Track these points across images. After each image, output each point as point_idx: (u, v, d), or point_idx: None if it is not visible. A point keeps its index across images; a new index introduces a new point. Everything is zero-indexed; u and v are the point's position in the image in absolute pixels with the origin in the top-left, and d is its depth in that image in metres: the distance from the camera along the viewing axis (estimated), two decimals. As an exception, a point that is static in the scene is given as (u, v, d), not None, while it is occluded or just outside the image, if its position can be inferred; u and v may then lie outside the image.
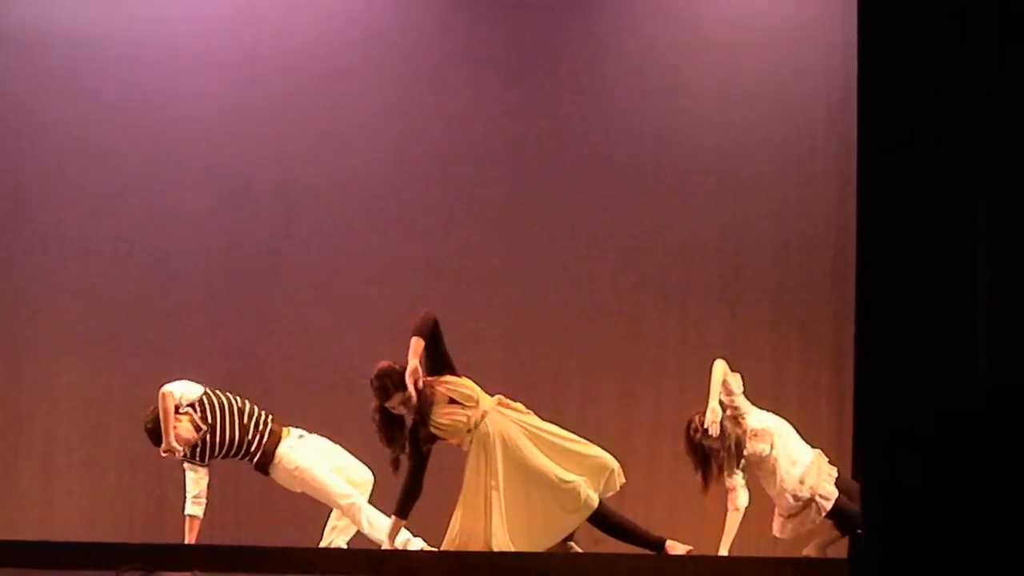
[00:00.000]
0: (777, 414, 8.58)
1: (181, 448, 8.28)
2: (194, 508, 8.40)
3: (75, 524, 9.82)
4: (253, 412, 8.44)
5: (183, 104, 10.13)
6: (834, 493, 8.25)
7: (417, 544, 8.26)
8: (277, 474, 8.45)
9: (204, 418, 8.31)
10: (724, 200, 9.95)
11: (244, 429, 8.38)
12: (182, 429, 8.27)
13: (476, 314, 9.99)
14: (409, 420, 7.90)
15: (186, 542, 8.36)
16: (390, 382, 7.81)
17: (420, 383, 7.77)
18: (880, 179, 10.06)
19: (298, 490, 8.48)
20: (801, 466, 8.27)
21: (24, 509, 9.89)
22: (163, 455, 8.35)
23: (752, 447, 8.24)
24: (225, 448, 8.37)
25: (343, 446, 8.71)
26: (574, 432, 8.16)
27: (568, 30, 10.10)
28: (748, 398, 8.44)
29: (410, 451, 7.81)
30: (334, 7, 10.22)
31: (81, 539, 9.32)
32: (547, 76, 10.11)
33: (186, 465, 8.41)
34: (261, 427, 8.41)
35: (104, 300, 10.06)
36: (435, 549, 8.20)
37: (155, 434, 8.31)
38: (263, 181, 10.15)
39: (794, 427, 8.54)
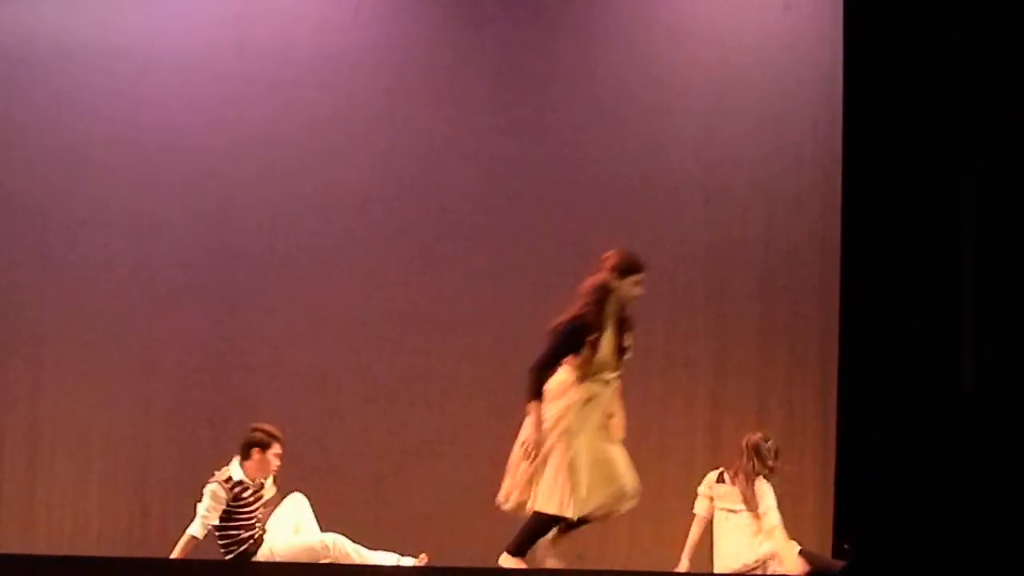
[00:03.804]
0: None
1: (262, 480, 8.45)
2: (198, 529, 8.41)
3: (58, 538, 9.79)
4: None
5: (168, 117, 10.11)
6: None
7: (408, 564, 8.31)
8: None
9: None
10: (711, 216, 9.96)
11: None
12: (271, 456, 8.45)
13: (462, 328, 9.98)
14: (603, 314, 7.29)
15: (173, 555, 8.35)
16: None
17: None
18: (865, 196, 10.13)
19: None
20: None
21: (7, 522, 9.85)
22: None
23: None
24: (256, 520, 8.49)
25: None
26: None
27: (556, 48, 10.11)
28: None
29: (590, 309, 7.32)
30: (320, 23, 10.21)
31: (64, 552, 9.30)
32: (535, 93, 10.11)
33: (237, 491, 8.41)
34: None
35: (87, 312, 10.03)
36: (423, 565, 8.22)
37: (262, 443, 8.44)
38: (247, 195, 10.13)
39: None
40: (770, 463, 8.46)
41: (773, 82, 9.98)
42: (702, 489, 8.53)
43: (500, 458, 9.86)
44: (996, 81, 9.30)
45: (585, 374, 7.06)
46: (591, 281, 7.11)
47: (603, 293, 7.09)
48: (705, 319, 9.91)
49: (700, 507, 8.53)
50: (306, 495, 8.74)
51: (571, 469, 7.05)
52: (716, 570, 8.42)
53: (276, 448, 8.48)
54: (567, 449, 7.05)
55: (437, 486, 9.82)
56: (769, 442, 8.52)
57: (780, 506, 8.51)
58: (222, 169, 10.12)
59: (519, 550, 7.27)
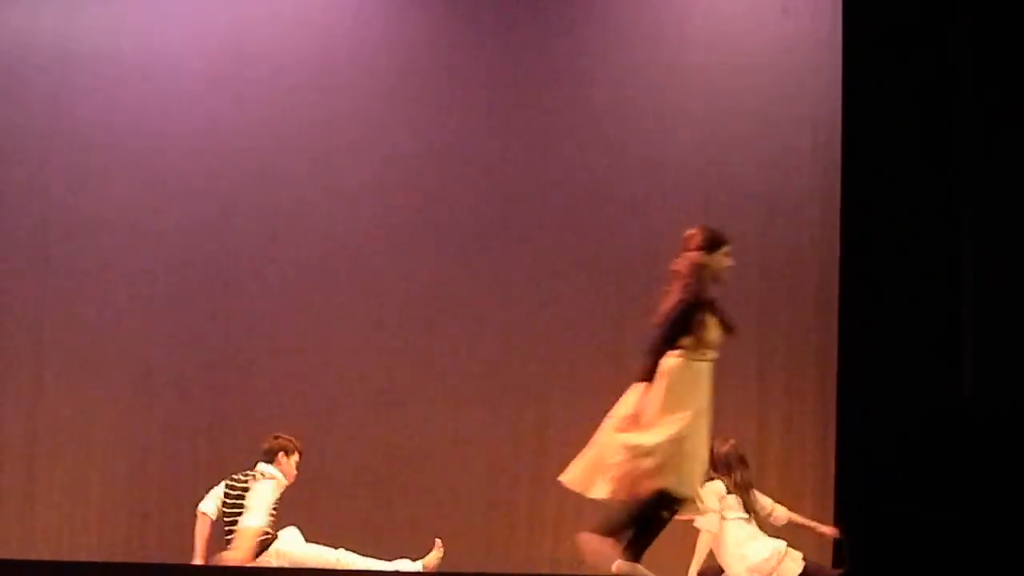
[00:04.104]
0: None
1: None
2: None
3: (57, 543, 9.78)
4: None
5: (168, 122, 10.11)
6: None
7: (418, 567, 8.32)
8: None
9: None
10: (709, 220, 9.89)
11: None
12: (293, 463, 8.64)
13: (461, 331, 9.97)
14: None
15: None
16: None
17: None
18: (865, 198, 10.11)
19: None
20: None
21: (6, 527, 9.84)
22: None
23: None
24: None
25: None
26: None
27: (556, 52, 10.10)
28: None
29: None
30: (321, 28, 10.21)
31: (63, 558, 9.29)
32: (535, 97, 10.10)
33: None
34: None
35: (87, 317, 10.02)
36: (433, 572, 8.21)
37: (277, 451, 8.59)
38: (247, 199, 10.13)
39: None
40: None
41: (772, 86, 9.97)
42: (713, 504, 8.29)
43: (500, 461, 9.90)
44: (996, 81, 9.30)
45: (696, 354, 7.02)
46: (683, 262, 7.08)
47: (699, 270, 7.08)
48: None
49: (712, 523, 8.41)
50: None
51: (685, 449, 6.96)
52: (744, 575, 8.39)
53: (297, 456, 8.60)
54: (683, 430, 6.95)
55: (436, 490, 9.80)
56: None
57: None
58: (222, 173, 10.12)
59: (637, 553, 7.08)
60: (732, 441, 8.52)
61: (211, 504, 8.48)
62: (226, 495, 8.45)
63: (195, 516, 8.53)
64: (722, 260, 7.13)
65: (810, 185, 9.89)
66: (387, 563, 8.41)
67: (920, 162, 9.45)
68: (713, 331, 7.04)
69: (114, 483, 9.91)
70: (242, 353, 10.01)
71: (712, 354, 7.03)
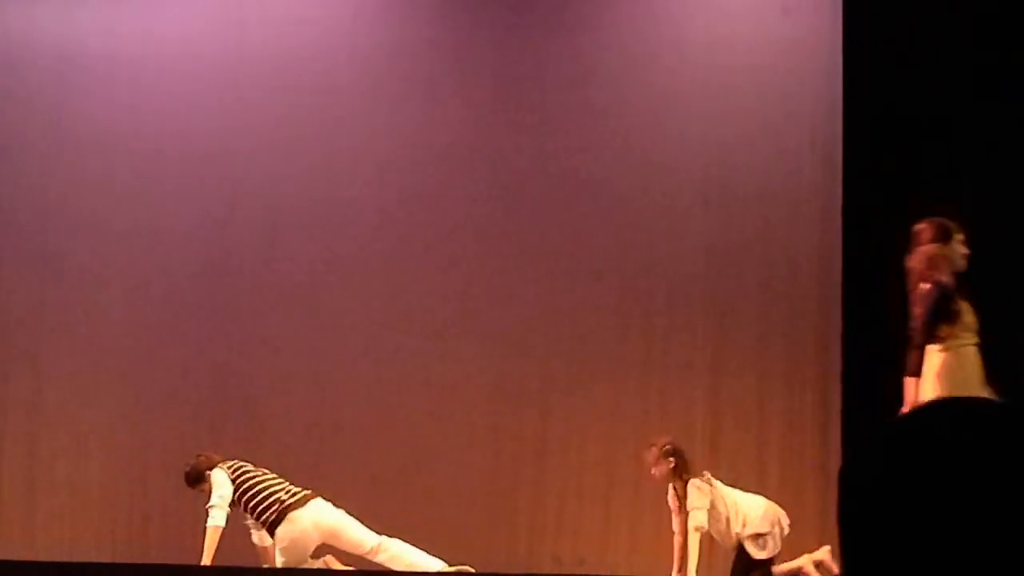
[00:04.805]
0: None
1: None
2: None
3: (58, 544, 9.78)
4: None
5: (168, 123, 10.11)
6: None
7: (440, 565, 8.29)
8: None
9: None
10: (709, 221, 9.95)
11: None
12: None
13: (462, 332, 9.97)
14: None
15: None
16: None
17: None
18: (865, 202, 10.10)
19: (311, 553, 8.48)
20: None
21: (6, 528, 9.84)
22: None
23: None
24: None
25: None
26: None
27: (557, 53, 10.10)
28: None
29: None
30: (322, 27, 10.21)
31: (64, 559, 9.29)
32: (535, 99, 10.10)
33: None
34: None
35: (87, 318, 10.03)
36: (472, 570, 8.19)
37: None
38: (247, 201, 10.13)
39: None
40: None
41: (772, 86, 9.96)
42: (700, 502, 8.40)
43: (501, 461, 9.90)
44: (996, 82, 9.29)
45: (959, 341, 7.10)
46: (919, 257, 7.13)
47: (941, 261, 7.11)
48: (705, 321, 9.89)
49: (702, 519, 8.40)
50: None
51: None
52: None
53: None
54: None
55: (437, 490, 9.80)
56: None
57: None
58: (222, 174, 10.12)
59: None
60: (658, 443, 8.45)
61: (224, 515, 8.41)
62: (239, 487, 8.42)
63: (193, 516, 8.52)
64: (958, 248, 7.17)
65: (810, 185, 9.89)
66: (429, 557, 8.32)
67: (920, 163, 9.43)
68: (969, 315, 7.07)
69: (115, 484, 9.91)
70: (243, 354, 10.01)
71: (974, 338, 7.06)
